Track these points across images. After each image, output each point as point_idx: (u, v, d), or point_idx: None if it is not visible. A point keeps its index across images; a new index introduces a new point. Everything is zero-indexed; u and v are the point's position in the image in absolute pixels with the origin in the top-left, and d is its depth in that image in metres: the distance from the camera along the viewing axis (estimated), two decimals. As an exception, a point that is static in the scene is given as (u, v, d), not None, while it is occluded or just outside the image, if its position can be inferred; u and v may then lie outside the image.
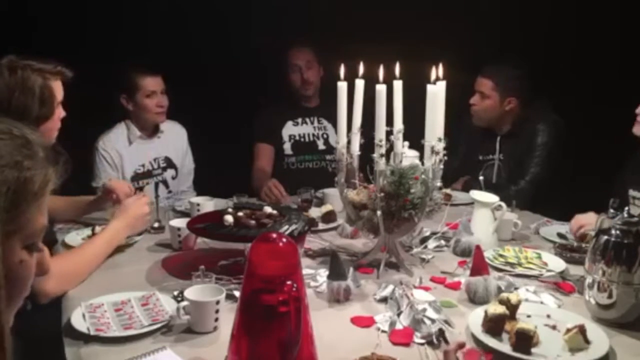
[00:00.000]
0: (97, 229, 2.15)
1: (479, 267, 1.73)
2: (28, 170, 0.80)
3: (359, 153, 1.95)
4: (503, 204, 2.19)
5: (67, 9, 3.11)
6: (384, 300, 1.71)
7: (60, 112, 1.98)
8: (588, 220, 2.11)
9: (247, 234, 1.82)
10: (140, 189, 2.87)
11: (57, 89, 1.94)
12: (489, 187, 2.47)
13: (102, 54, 3.03)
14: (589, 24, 3.24)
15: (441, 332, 1.49)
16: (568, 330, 1.46)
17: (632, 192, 2.34)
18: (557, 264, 1.99)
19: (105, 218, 2.25)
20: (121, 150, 2.86)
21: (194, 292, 1.55)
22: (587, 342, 1.45)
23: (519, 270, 1.94)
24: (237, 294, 1.59)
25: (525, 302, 1.64)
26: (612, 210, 1.73)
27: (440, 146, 1.87)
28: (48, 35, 2.95)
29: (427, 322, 1.52)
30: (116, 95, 2.85)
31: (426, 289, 1.79)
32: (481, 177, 2.65)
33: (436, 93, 1.84)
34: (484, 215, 2.19)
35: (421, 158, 1.92)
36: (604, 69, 3.20)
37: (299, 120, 3.31)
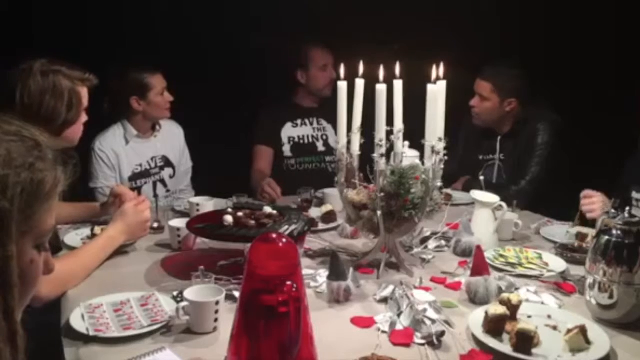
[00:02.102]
0: (97, 229, 2.15)
1: (480, 267, 1.73)
2: (40, 172, 0.82)
3: (359, 153, 1.94)
4: (504, 204, 2.18)
5: (66, 9, 3.10)
6: (384, 300, 1.70)
7: (84, 118, 2.04)
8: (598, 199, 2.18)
9: (246, 234, 1.81)
10: (139, 188, 2.88)
11: (84, 95, 2.01)
12: (489, 187, 2.47)
13: (100, 54, 3.02)
14: (590, 23, 3.23)
15: (442, 333, 1.49)
16: (569, 331, 1.46)
17: (635, 195, 2.34)
18: (558, 264, 1.98)
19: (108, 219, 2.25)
20: (118, 150, 2.85)
21: (194, 292, 1.54)
22: (588, 342, 1.44)
23: (519, 270, 1.94)
24: (236, 294, 1.59)
25: (526, 302, 1.63)
26: (613, 211, 1.72)
27: (441, 146, 1.87)
28: (46, 36, 2.95)
29: (428, 322, 1.52)
30: (122, 97, 2.82)
31: (426, 289, 1.78)
32: (482, 177, 2.65)
33: (436, 93, 1.84)
34: (485, 215, 2.18)
35: (421, 158, 1.91)
36: (604, 69, 3.19)
37: (298, 121, 3.30)
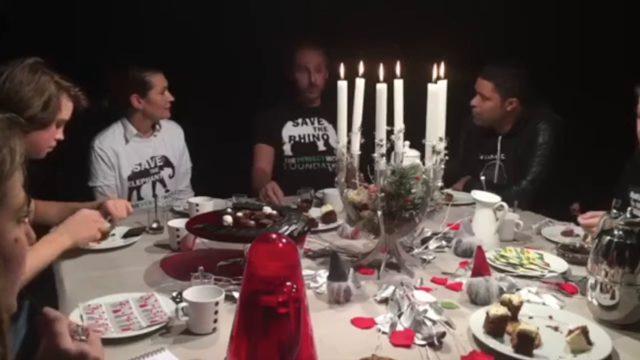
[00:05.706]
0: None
1: (481, 267, 1.72)
2: None
3: (359, 153, 1.93)
4: (504, 204, 2.17)
5: (66, 8, 3.10)
6: (384, 301, 1.69)
7: (57, 132, 2.01)
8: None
9: (246, 235, 1.81)
10: (138, 188, 2.87)
11: (66, 107, 1.99)
12: (490, 187, 2.47)
13: (101, 55, 3.01)
14: (591, 22, 3.23)
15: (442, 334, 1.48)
16: (570, 332, 1.45)
17: (633, 195, 2.33)
18: (559, 264, 1.98)
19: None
20: (118, 149, 2.84)
21: (193, 293, 1.54)
22: (590, 343, 1.44)
23: (520, 271, 1.93)
24: (236, 295, 1.58)
25: (527, 303, 1.63)
26: (614, 211, 1.71)
27: (441, 146, 1.86)
28: (38, 34, 2.94)
29: (428, 323, 1.51)
30: (122, 94, 2.81)
31: (427, 289, 1.78)
32: (482, 177, 2.64)
33: (437, 92, 1.83)
34: (486, 215, 2.17)
35: (422, 158, 1.91)
36: (605, 68, 3.19)
37: (299, 120, 3.29)
